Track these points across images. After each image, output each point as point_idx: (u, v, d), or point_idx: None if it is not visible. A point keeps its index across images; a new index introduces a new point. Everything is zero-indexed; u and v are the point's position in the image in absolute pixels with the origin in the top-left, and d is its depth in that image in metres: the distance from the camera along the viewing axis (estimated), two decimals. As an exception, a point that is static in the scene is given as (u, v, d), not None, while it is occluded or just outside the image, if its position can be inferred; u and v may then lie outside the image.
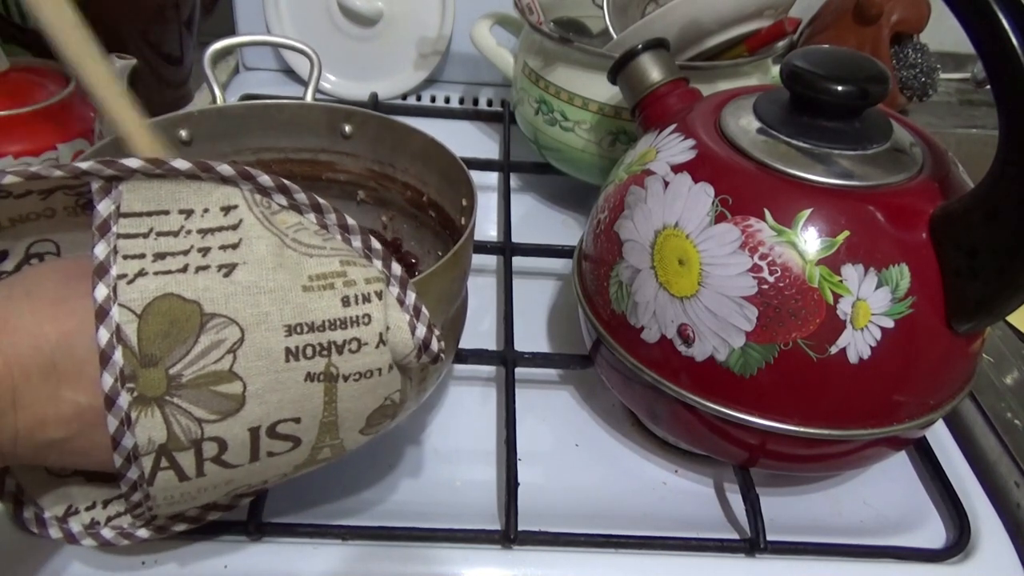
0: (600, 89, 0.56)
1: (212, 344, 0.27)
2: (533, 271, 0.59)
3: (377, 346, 0.30)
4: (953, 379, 0.39)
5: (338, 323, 0.29)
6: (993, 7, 0.30)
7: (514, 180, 0.69)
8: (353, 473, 0.42)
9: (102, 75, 0.35)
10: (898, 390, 0.37)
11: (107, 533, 0.33)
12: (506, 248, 0.57)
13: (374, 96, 0.76)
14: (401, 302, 0.31)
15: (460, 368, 0.50)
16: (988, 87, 0.66)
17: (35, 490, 0.33)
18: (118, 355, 0.27)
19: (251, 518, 0.38)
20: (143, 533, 0.33)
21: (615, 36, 0.57)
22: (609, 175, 0.46)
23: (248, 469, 0.30)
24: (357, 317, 0.30)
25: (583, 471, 0.45)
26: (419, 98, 0.82)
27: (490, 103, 0.83)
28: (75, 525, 0.32)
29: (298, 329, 0.29)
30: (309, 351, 0.29)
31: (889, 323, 0.35)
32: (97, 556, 0.37)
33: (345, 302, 0.30)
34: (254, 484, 0.32)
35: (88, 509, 0.33)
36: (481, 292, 0.57)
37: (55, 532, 0.32)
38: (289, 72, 0.82)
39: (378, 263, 0.32)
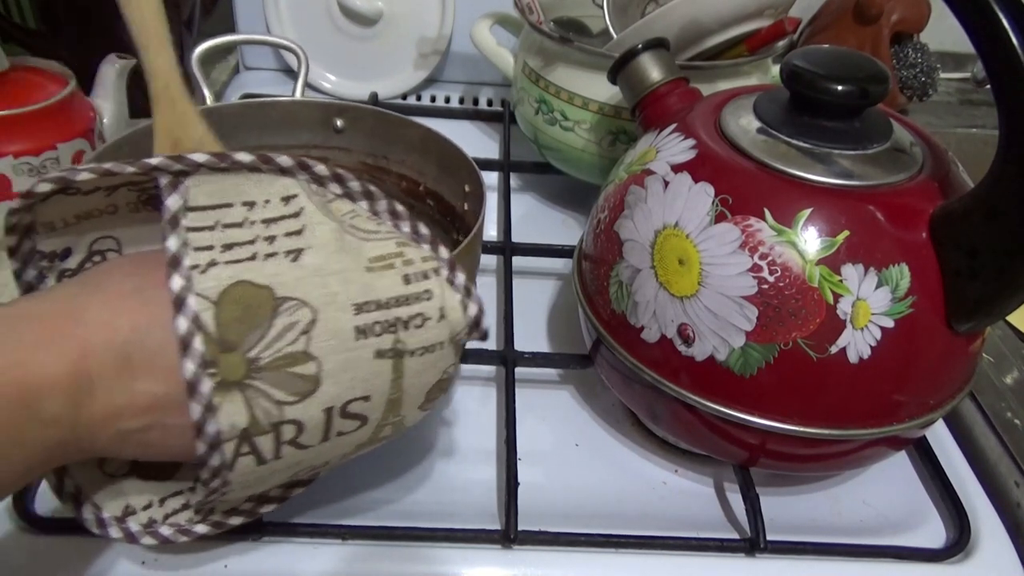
0: (600, 89, 0.56)
1: (286, 326, 0.28)
2: (533, 271, 0.59)
3: (439, 320, 0.31)
4: (953, 379, 0.39)
5: (402, 300, 0.30)
6: (993, 7, 0.30)
7: (514, 180, 0.69)
8: (353, 473, 0.42)
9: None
10: (898, 390, 0.37)
11: (165, 531, 0.33)
12: (506, 248, 0.57)
13: (374, 96, 0.76)
14: (451, 282, 0.32)
15: (460, 368, 0.50)
16: (988, 87, 0.66)
17: (92, 491, 0.33)
18: (198, 342, 0.27)
19: (251, 518, 0.38)
20: (201, 529, 0.34)
21: (615, 36, 0.57)
22: (609, 175, 0.46)
23: (318, 450, 0.31)
24: (419, 293, 0.31)
25: (583, 471, 0.45)
26: (419, 98, 0.82)
27: (490, 103, 0.83)
28: (134, 525, 0.33)
29: (366, 307, 0.30)
30: (378, 328, 0.30)
31: (889, 323, 0.35)
32: (99, 556, 0.37)
33: (406, 280, 0.31)
34: (317, 466, 0.33)
35: (145, 508, 0.33)
36: (481, 292, 0.56)
37: (115, 532, 0.32)
38: (289, 71, 0.82)
39: (426, 246, 0.33)
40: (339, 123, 0.48)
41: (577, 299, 0.46)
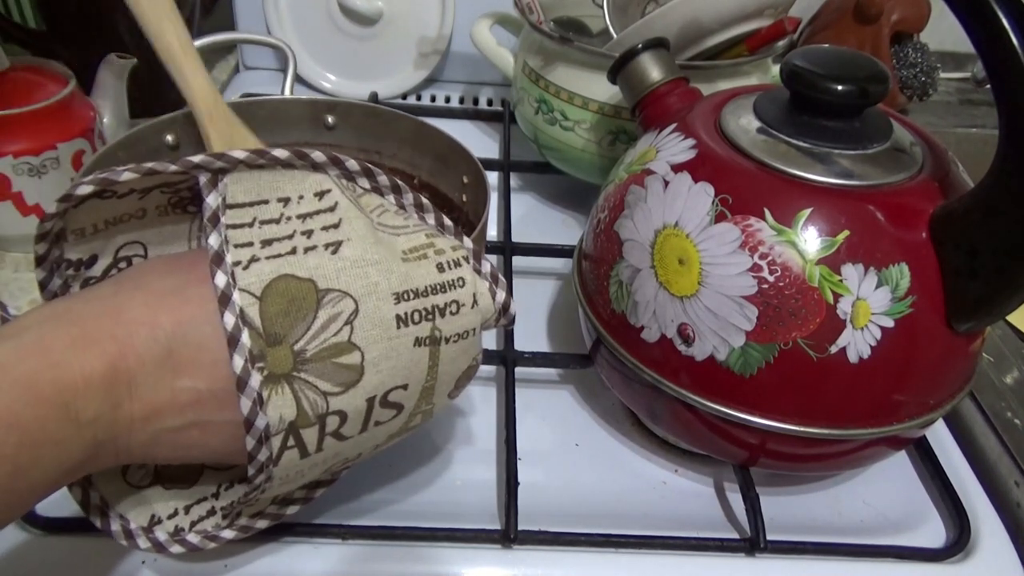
0: (600, 89, 0.56)
1: (330, 318, 0.28)
2: (533, 271, 0.59)
3: (472, 307, 0.32)
4: (953, 379, 0.39)
5: (438, 287, 0.31)
6: (993, 7, 0.30)
7: (514, 180, 0.69)
8: (353, 473, 0.42)
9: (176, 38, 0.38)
10: (898, 390, 0.37)
11: (193, 538, 0.33)
12: (506, 248, 0.57)
13: (374, 95, 0.76)
14: (478, 271, 0.33)
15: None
16: (988, 87, 0.66)
17: (117, 502, 0.33)
18: (245, 337, 0.27)
19: (251, 518, 0.38)
20: (228, 534, 0.34)
21: (615, 35, 0.57)
22: (609, 175, 0.46)
23: (356, 440, 0.31)
24: (453, 281, 0.31)
25: (583, 471, 0.45)
26: (419, 98, 0.82)
27: (490, 103, 0.83)
28: (161, 534, 0.33)
29: (405, 296, 0.30)
30: (416, 316, 0.30)
31: (889, 322, 0.35)
32: (99, 557, 0.37)
33: (440, 268, 0.31)
34: (350, 459, 0.33)
35: (171, 517, 0.33)
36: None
37: (143, 542, 0.33)
38: (289, 72, 0.82)
39: (450, 237, 0.33)
40: (330, 120, 0.48)
41: (577, 299, 0.46)
